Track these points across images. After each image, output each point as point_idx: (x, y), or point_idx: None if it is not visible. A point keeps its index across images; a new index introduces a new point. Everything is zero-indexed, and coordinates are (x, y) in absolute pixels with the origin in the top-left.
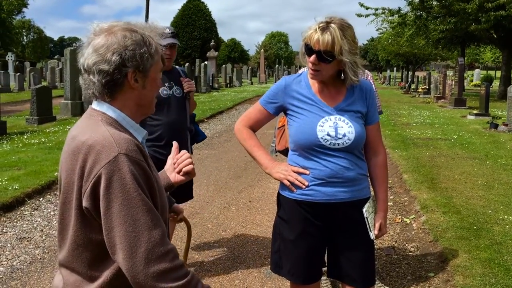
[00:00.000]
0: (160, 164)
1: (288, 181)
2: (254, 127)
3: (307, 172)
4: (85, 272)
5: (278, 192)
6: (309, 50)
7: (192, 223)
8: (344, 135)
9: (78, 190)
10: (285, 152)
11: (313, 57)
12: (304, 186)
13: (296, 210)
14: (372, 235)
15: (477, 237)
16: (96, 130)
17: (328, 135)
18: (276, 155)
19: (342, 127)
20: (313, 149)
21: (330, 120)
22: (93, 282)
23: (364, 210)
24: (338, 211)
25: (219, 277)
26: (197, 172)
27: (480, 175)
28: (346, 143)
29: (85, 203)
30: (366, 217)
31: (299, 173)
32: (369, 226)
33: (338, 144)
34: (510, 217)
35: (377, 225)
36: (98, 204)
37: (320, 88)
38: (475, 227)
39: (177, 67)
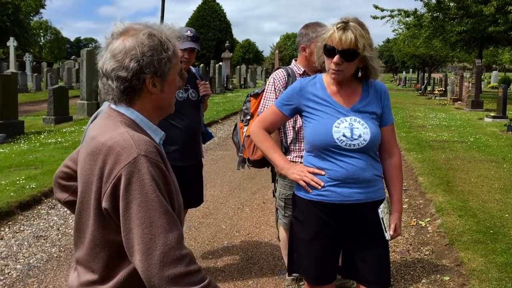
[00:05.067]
0: (177, 170)
1: (304, 181)
2: (270, 129)
3: (323, 173)
4: (100, 272)
5: (294, 193)
6: (330, 50)
7: (206, 223)
8: (360, 136)
9: (97, 190)
10: (260, 162)
11: (336, 57)
12: (319, 187)
13: (311, 210)
14: (387, 236)
15: (493, 241)
16: (116, 131)
17: (344, 136)
18: (250, 167)
19: (357, 128)
20: (328, 149)
21: (346, 121)
22: (107, 282)
23: (379, 210)
24: (353, 212)
25: (233, 277)
26: (211, 173)
27: (497, 179)
28: (362, 144)
29: (104, 204)
30: (382, 218)
31: (315, 174)
32: (385, 227)
33: (354, 145)
34: None
35: (392, 225)
36: (117, 205)
37: (336, 90)
38: (491, 231)
39: (192, 68)
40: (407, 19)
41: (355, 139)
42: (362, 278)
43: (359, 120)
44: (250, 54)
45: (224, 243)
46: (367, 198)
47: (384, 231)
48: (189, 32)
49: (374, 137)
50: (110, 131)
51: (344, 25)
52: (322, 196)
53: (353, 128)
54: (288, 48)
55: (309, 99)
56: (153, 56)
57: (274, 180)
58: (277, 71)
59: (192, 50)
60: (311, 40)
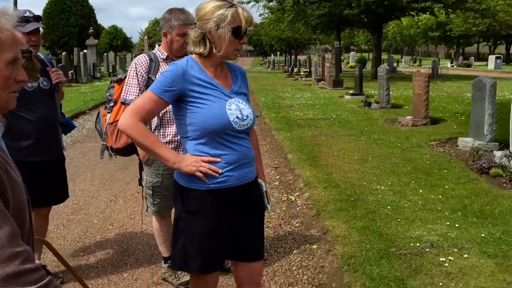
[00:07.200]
0: (32, 166)
1: (201, 172)
2: (147, 119)
3: (219, 160)
4: None
5: (181, 186)
6: (239, 32)
7: (76, 220)
8: (247, 117)
9: None
10: (125, 150)
11: (245, 37)
12: (217, 175)
13: (206, 201)
14: (269, 207)
15: (354, 207)
16: None
17: (237, 117)
18: (115, 156)
19: (243, 109)
20: (225, 133)
21: (233, 103)
22: None
23: (263, 184)
24: (244, 192)
25: (107, 272)
26: (80, 167)
27: (356, 150)
28: (249, 124)
29: None
30: (266, 190)
31: (210, 162)
32: (268, 199)
33: (244, 125)
34: (382, 187)
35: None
36: None
37: (214, 72)
38: (352, 199)
39: (40, 55)
40: (271, 3)
41: (245, 119)
42: (244, 254)
43: (241, 101)
44: (118, 41)
45: (97, 238)
46: (253, 176)
47: (267, 202)
48: (28, 13)
49: (254, 117)
50: None
51: (232, 4)
52: (220, 183)
53: (241, 109)
54: (157, 34)
55: (193, 83)
56: None
57: (141, 169)
58: (139, 56)
59: (38, 31)
60: (172, 27)
